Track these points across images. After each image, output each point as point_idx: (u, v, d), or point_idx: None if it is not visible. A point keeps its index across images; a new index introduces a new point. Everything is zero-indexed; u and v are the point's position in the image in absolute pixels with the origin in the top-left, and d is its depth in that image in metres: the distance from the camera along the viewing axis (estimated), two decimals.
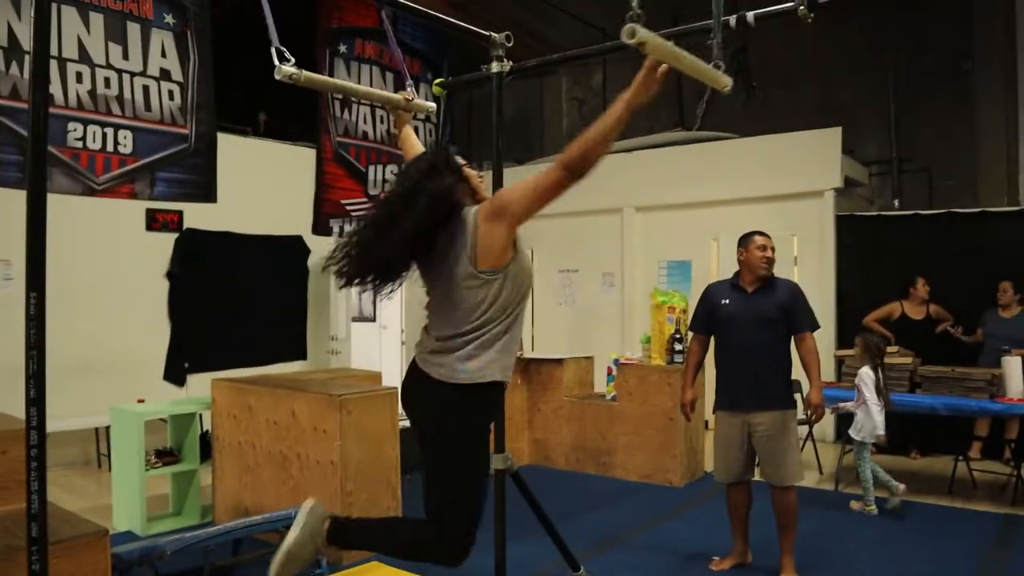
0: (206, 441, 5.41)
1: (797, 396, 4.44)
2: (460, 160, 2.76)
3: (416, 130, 9.09)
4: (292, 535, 2.65)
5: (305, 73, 2.86)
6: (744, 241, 4.28)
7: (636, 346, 7.75)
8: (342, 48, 8.21)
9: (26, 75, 5.98)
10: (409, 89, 3.45)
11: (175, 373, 7.57)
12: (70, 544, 2.81)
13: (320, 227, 8.17)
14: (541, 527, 4.10)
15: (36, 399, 2.07)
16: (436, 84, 4.12)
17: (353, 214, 8.31)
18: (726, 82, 2.89)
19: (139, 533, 4.94)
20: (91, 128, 6.39)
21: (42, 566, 2.17)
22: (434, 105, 3.70)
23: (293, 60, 2.83)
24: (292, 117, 9.05)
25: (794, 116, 8.81)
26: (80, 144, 6.31)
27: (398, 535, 2.76)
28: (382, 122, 8.56)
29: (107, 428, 6.46)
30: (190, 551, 3.59)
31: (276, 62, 2.79)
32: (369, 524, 2.92)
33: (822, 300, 7.76)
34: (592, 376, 7.27)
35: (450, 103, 9.55)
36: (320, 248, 8.54)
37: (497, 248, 2.51)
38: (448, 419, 2.58)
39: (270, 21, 2.80)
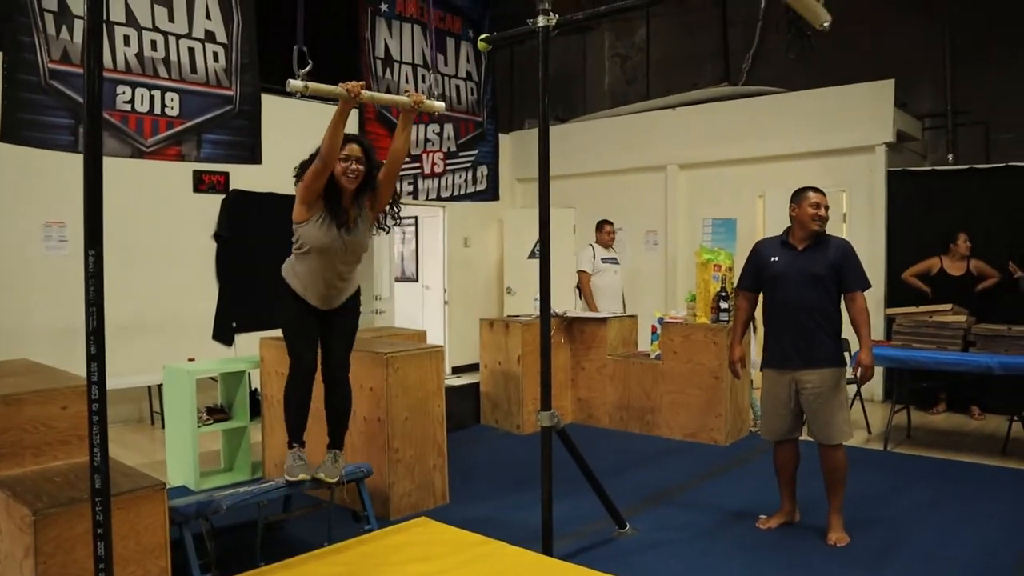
0: (256, 399, 5.51)
1: (846, 355, 4.38)
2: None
3: (458, 89, 9.10)
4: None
5: (312, 85, 3.25)
6: (797, 197, 4.19)
7: (680, 304, 7.71)
8: (383, 7, 8.16)
9: (76, 39, 6.04)
10: (415, 92, 3.93)
11: (223, 332, 7.70)
12: (130, 496, 2.89)
13: None
14: (587, 485, 4.15)
15: (96, 355, 2.11)
16: (481, 40, 4.07)
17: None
18: (826, 16, 2.81)
19: (192, 488, 5.08)
20: (139, 91, 6.45)
21: (105, 516, 2.23)
22: (443, 105, 3.94)
23: (310, 65, 3.11)
24: (335, 78, 9.03)
25: (844, 69, 8.56)
26: (129, 107, 6.38)
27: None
28: (423, 81, 8.52)
29: (159, 386, 6.62)
30: (244, 506, 3.67)
31: (295, 67, 3.04)
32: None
33: (872, 258, 7.62)
34: (636, 335, 7.25)
35: (491, 61, 9.47)
36: None
37: (296, 212, 3.69)
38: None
39: (301, 19, 3.01)
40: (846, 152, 8.11)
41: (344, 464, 3.97)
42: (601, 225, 8.00)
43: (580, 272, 7.85)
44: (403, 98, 3.74)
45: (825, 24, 2.82)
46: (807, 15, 2.80)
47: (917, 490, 4.99)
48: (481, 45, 4.12)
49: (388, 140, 8.29)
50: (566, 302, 8.29)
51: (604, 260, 7.88)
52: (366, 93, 3.43)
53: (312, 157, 3.56)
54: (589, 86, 11.72)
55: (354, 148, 3.62)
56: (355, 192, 3.69)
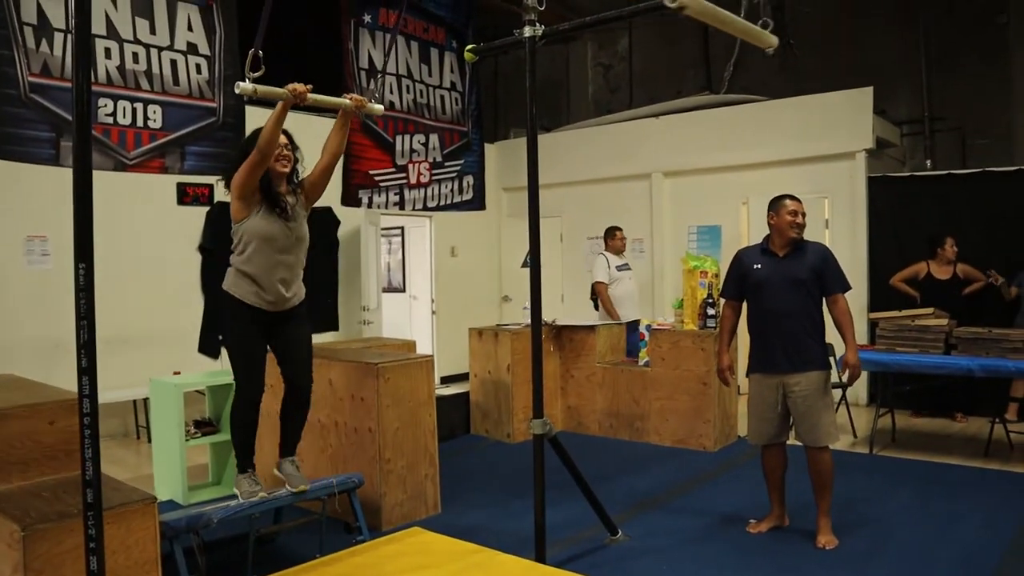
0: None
1: (831, 359, 4.42)
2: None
3: (442, 99, 9.09)
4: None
5: (260, 88, 3.35)
6: (774, 205, 4.25)
7: (667, 311, 7.75)
8: (366, 18, 8.16)
9: (56, 52, 6.01)
10: (355, 94, 3.98)
11: (209, 345, 7.66)
12: (121, 511, 2.87)
13: (349, 198, 8.19)
14: (577, 492, 4.16)
15: (87, 368, 2.10)
16: (468, 50, 4.09)
17: (381, 184, 8.31)
18: (772, 41, 2.85)
19: (180, 502, 5.04)
20: (121, 103, 6.42)
21: (98, 531, 2.21)
22: (382, 108, 4.09)
23: (263, 70, 3.27)
24: (319, 89, 9.03)
25: (824, 76, 8.66)
26: (111, 120, 6.35)
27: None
28: (408, 92, 8.53)
29: (145, 400, 6.57)
30: (235, 519, 3.66)
31: (246, 70, 3.09)
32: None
33: (854, 263, 7.69)
34: (624, 342, 7.27)
35: (476, 71, 9.50)
36: (349, 219, 8.57)
37: (234, 210, 3.69)
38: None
39: (263, 24, 3.06)
40: (827, 159, 8.19)
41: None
42: (612, 232, 7.86)
43: (597, 283, 7.67)
44: (344, 100, 3.86)
45: (770, 50, 2.90)
46: (755, 42, 2.87)
47: (903, 492, 5.03)
48: (467, 56, 4.15)
49: (375, 151, 8.33)
50: (556, 310, 8.31)
51: (619, 268, 7.73)
52: (310, 96, 3.53)
53: (239, 159, 3.63)
54: (573, 95, 11.78)
55: (283, 137, 3.71)
56: (287, 179, 3.81)
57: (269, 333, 3.82)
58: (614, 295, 7.57)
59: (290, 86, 3.44)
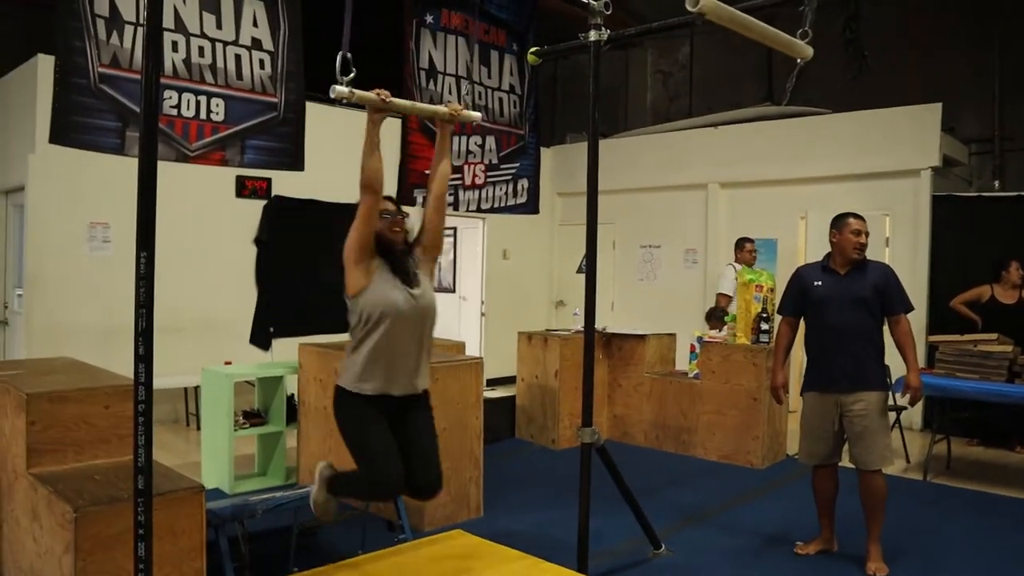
0: (292, 404, 5.53)
1: (887, 380, 4.30)
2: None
3: (501, 101, 9.11)
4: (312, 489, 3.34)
5: (357, 92, 3.04)
6: (837, 223, 4.15)
7: (698, 323, 7.63)
8: (428, 18, 8.20)
9: (125, 44, 6.14)
10: (452, 101, 3.53)
11: (261, 337, 7.73)
12: (169, 498, 2.90)
13: (404, 196, 8.21)
14: (621, 503, 4.10)
15: (144, 356, 2.13)
16: (531, 53, 4.08)
17: None
18: (806, 52, 2.77)
19: (226, 491, 5.10)
20: (185, 96, 6.53)
21: (147, 517, 2.24)
22: (480, 115, 3.74)
23: (354, 73, 3.01)
24: (378, 87, 9.09)
25: (890, 91, 8.45)
26: (175, 112, 6.46)
27: (352, 478, 3.28)
28: (467, 94, 8.55)
29: (196, 388, 6.67)
30: (279, 511, 3.68)
31: (337, 74, 2.95)
32: (344, 477, 3.35)
33: (914, 283, 7.49)
34: (674, 353, 7.18)
35: (535, 74, 9.48)
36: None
37: (350, 284, 3.13)
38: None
39: (347, 27, 2.94)
40: (890, 175, 8.00)
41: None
42: (742, 243, 7.52)
43: (721, 295, 7.45)
44: (440, 108, 3.47)
45: (800, 61, 2.81)
46: (785, 51, 2.79)
47: (957, 522, 4.87)
48: (530, 58, 4.14)
49: (431, 151, 8.33)
50: (605, 318, 8.24)
51: None
52: (395, 101, 3.26)
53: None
54: (631, 102, 11.70)
55: (388, 203, 3.27)
56: (405, 252, 3.29)
57: (393, 422, 3.23)
58: None
59: (377, 91, 3.13)
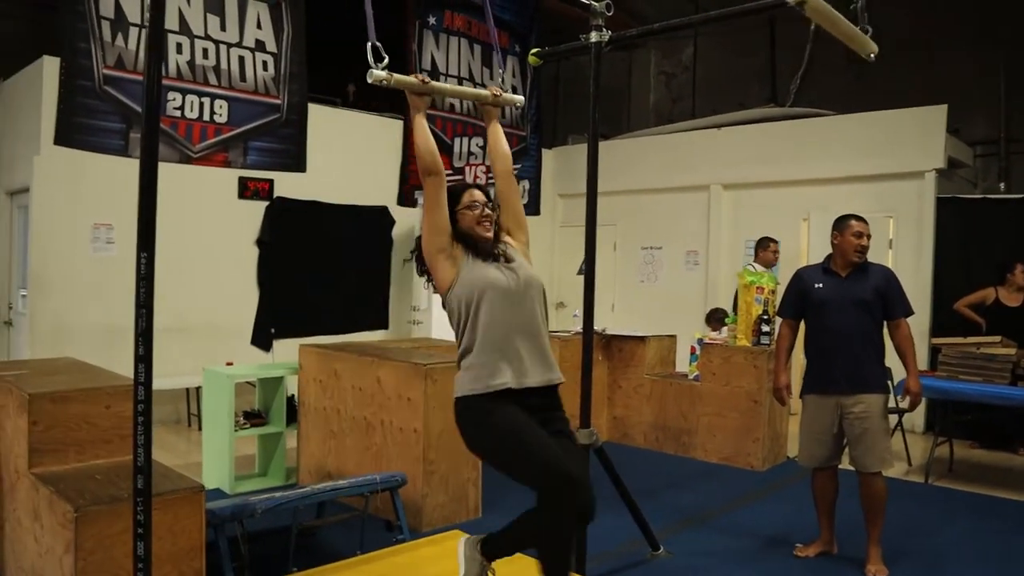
0: (292, 405, 5.55)
1: (888, 383, 4.30)
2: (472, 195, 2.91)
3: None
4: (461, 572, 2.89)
5: (396, 76, 2.81)
6: (839, 225, 4.15)
7: (699, 325, 7.62)
8: (431, 20, 8.22)
9: (130, 46, 6.17)
10: (495, 85, 3.27)
11: (262, 338, 7.78)
12: (169, 498, 2.91)
13: (406, 198, 8.25)
14: (619, 504, 4.11)
15: (144, 356, 2.14)
16: (532, 54, 4.07)
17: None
18: (874, 47, 2.77)
19: (227, 491, 5.12)
20: (189, 97, 6.56)
21: (146, 517, 2.25)
22: (523, 99, 3.54)
23: (387, 59, 2.78)
24: (380, 88, 9.10)
25: (894, 93, 8.45)
26: (178, 113, 6.49)
27: (529, 521, 2.78)
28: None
29: (197, 388, 6.69)
30: (279, 511, 3.69)
31: (371, 61, 2.78)
32: (508, 529, 2.93)
33: (918, 285, 7.48)
34: (674, 355, 7.18)
35: (537, 76, 9.49)
36: (405, 219, 8.62)
37: (440, 278, 2.81)
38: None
39: (370, 16, 2.80)
40: (894, 177, 7.99)
41: None
42: (766, 243, 7.27)
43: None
44: (481, 91, 3.29)
45: (872, 55, 2.79)
46: (855, 46, 2.77)
47: (958, 525, 4.87)
48: (532, 59, 4.13)
49: None
50: (605, 319, 8.24)
51: None
52: (435, 84, 3.02)
53: (417, 240, 2.92)
54: (634, 103, 11.70)
55: (477, 194, 2.91)
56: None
57: (525, 406, 2.78)
58: None
59: (417, 75, 2.92)
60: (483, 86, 8.67)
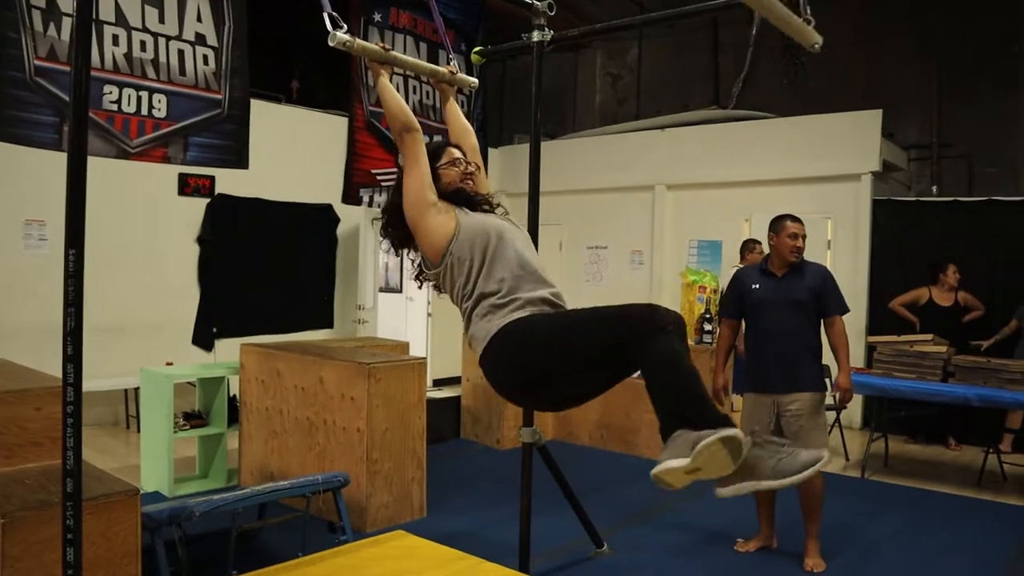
0: (234, 405, 5.45)
1: (826, 381, 4.40)
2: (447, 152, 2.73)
3: None
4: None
5: (358, 41, 2.67)
6: (775, 226, 4.22)
7: None
8: (376, 16, 8.16)
9: (63, 37, 6.00)
10: (452, 63, 3.18)
11: (204, 337, 7.63)
12: (102, 502, 2.84)
13: (350, 196, 8.17)
14: (565, 502, 4.12)
15: (73, 356, 2.07)
16: (475, 52, 4.06)
17: (383, 183, 8.29)
18: (816, 38, 2.78)
19: (166, 494, 5.00)
20: (126, 91, 6.41)
21: (76, 522, 2.18)
22: (476, 81, 3.47)
23: (345, 27, 2.72)
24: (324, 85, 9.03)
25: (832, 97, 8.64)
26: (115, 107, 6.33)
27: (657, 371, 2.24)
28: (415, 92, 8.51)
29: (136, 389, 6.54)
30: (218, 513, 3.62)
31: (329, 27, 2.68)
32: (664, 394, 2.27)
33: (855, 285, 7.66)
34: None
35: (483, 75, 9.48)
36: (350, 217, 8.54)
37: (435, 232, 2.56)
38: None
39: None
40: (832, 179, 8.17)
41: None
42: (750, 245, 7.00)
43: None
44: (439, 68, 3.15)
45: (816, 45, 2.80)
46: (798, 37, 2.79)
47: (893, 518, 5.00)
48: (474, 58, 4.12)
49: (378, 150, 8.30)
50: None
51: None
52: (395, 53, 2.88)
53: (389, 207, 2.75)
54: (580, 104, 11.77)
55: (452, 150, 2.75)
56: None
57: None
58: None
59: (380, 43, 2.81)
60: (428, 84, 8.64)
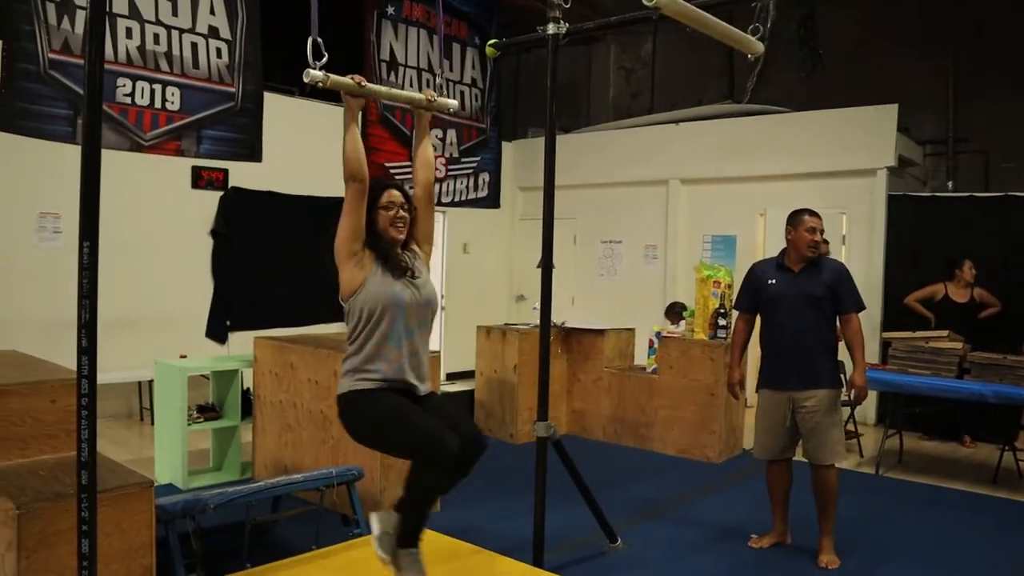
0: (247, 398, 5.46)
1: (842, 377, 4.36)
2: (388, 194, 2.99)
3: (462, 95, 9.07)
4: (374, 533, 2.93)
5: (332, 77, 2.82)
6: (793, 219, 4.18)
7: (658, 319, 7.67)
8: (390, 10, 8.14)
9: (77, 30, 6.01)
10: (429, 89, 3.27)
11: (217, 330, 7.65)
12: (117, 493, 2.84)
13: None
14: (578, 497, 4.11)
15: (87, 348, 2.07)
16: (489, 45, 4.05)
17: (396, 177, 8.28)
18: (758, 48, 2.78)
19: (180, 486, 5.03)
20: (140, 84, 6.42)
21: (91, 513, 2.19)
22: (456, 103, 3.48)
23: (326, 57, 2.77)
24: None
25: (848, 92, 8.58)
26: (129, 100, 6.34)
27: (412, 481, 2.86)
28: (428, 85, 8.50)
29: (150, 382, 6.56)
30: (232, 506, 3.62)
31: (309, 58, 2.77)
32: (406, 509, 2.92)
33: (870, 280, 7.61)
34: (633, 348, 7.21)
35: (497, 68, 9.46)
36: None
37: (344, 283, 2.92)
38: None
39: (315, 9, 2.78)
40: (847, 174, 8.11)
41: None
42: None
43: None
44: (416, 94, 3.26)
45: (753, 57, 2.81)
46: (739, 48, 2.79)
47: (908, 515, 4.97)
48: (489, 51, 4.11)
49: (391, 143, 8.30)
50: (565, 312, 8.24)
51: None
52: (371, 86, 3.02)
53: (328, 240, 3.00)
54: (594, 98, 11.72)
55: (395, 194, 2.99)
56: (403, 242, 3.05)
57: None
58: None
59: (353, 76, 2.92)
60: (442, 77, 8.63)
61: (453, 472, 2.80)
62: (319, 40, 2.77)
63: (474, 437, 2.89)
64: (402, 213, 2.97)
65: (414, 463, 2.82)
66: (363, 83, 2.90)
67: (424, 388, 2.97)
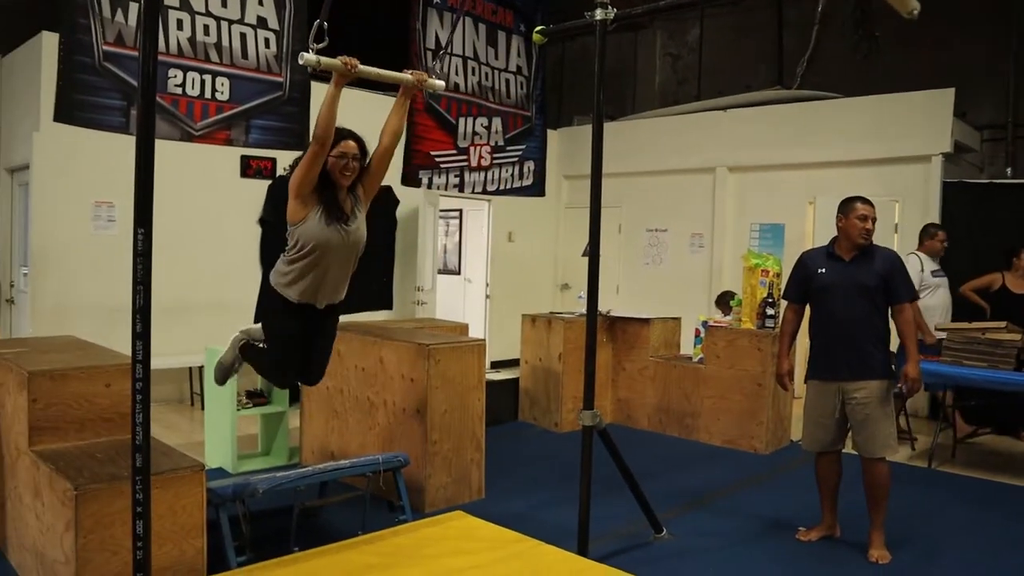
0: (295, 384, 5.53)
1: (893, 368, 4.27)
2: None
3: (507, 83, 9.04)
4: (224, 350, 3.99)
5: (323, 59, 3.13)
6: (845, 207, 4.09)
7: (707, 307, 7.59)
8: None
9: (130, 22, 6.12)
10: (419, 71, 3.65)
11: None
12: (169, 476, 2.90)
13: (410, 178, 8.20)
14: (623, 486, 4.10)
15: (142, 333, 2.11)
16: (537, 31, 4.03)
17: (442, 166, 8.30)
18: (914, 5, 2.68)
19: (229, 470, 5.11)
20: (190, 75, 6.52)
21: (145, 495, 2.23)
22: (443, 83, 3.80)
23: (327, 42, 3.08)
24: (384, 67, 9.02)
25: (902, 76, 8.36)
26: (179, 90, 6.45)
27: (260, 353, 3.81)
28: (473, 74, 8.49)
29: (200, 368, 6.68)
30: (280, 490, 3.68)
31: (311, 40, 2.99)
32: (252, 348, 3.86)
33: None
34: (679, 337, 7.16)
35: (542, 56, 9.42)
36: (409, 199, 8.57)
37: (291, 211, 3.41)
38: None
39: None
40: (900, 161, 7.92)
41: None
42: (930, 231, 6.63)
43: None
44: (405, 75, 3.55)
45: (914, 12, 2.67)
46: (895, 4, 2.66)
47: (961, 510, 4.85)
48: (536, 37, 4.09)
49: (437, 132, 8.32)
50: (611, 301, 8.21)
51: (933, 273, 6.49)
52: (372, 70, 3.35)
53: (300, 158, 3.39)
54: (640, 85, 11.60)
55: (350, 144, 3.42)
56: (349, 186, 3.51)
57: (306, 317, 3.55)
58: (926, 305, 6.23)
59: (343, 58, 3.23)
60: (487, 65, 8.61)
61: (274, 380, 4.06)
62: (324, 25, 2.99)
63: (313, 378, 3.76)
64: (352, 163, 3.42)
65: (262, 357, 3.77)
66: (353, 67, 3.25)
67: (336, 299, 3.61)
